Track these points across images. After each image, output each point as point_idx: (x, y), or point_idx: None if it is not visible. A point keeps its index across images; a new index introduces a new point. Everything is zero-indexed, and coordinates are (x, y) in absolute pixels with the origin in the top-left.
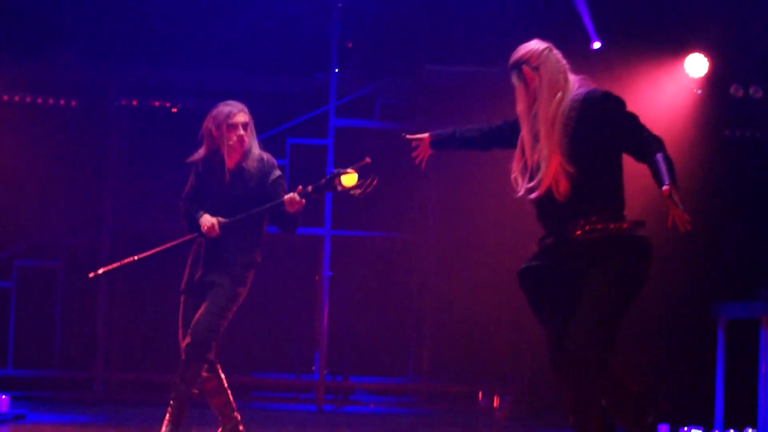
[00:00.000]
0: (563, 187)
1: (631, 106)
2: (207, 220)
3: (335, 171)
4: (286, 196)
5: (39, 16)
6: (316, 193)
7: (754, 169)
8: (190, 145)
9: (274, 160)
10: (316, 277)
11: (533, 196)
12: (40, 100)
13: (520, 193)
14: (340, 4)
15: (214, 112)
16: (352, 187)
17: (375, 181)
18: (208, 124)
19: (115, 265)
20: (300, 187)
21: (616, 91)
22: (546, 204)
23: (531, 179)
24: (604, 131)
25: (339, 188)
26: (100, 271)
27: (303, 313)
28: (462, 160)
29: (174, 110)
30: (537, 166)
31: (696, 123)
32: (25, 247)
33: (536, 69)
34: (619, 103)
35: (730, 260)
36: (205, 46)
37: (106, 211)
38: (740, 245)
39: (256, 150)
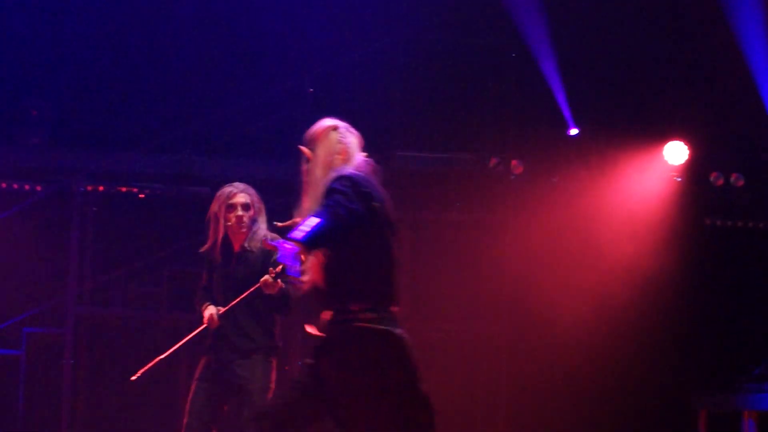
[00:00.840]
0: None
1: (611, 193)
2: (207, 312)
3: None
4: (261, 279)
5: (3, 99)
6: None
7: (735, 257)
8: (157, 231)
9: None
10: None
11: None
12: (4, 185)
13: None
14: (311, 89)
15: (218, 193)
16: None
17: None
18: (213, 206)
19: (149, 365)
20: (271, 269)
21: (595, 178)
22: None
23: None
24: None
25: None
26: (138, 374)
27: None
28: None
29: (141, 195)
30: None
31: (676, 211)
32: None
33: (313, 148)
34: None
35: (710, 350)
36: (178, 130)
37: (69, 301)
38: (720, 335)
39: (261, 231)
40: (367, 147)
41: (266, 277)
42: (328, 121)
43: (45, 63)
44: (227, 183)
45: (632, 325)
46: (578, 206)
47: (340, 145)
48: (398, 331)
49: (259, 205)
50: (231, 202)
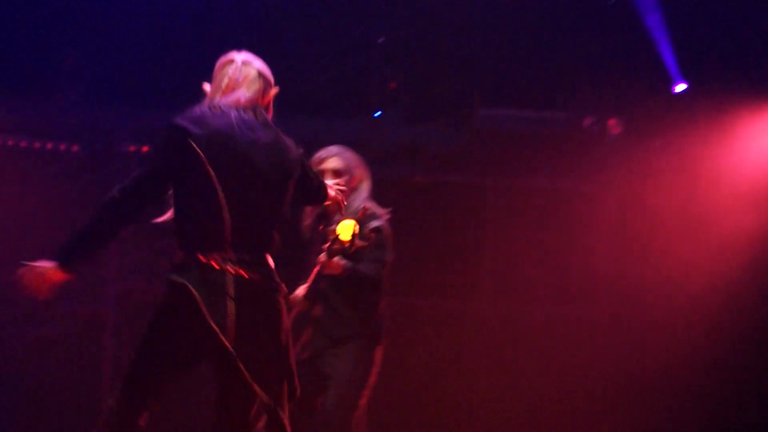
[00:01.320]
0: None
1: (722, 157)
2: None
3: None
4: (318, 259)
5: (40, 57)
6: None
7: None
8: None
9: (376, 212)
10: None
11: None
12: (38, 144)
13: None
14: (380, 40)
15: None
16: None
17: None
18: None
19: None
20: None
21: (704, 139)
22: None
23: None
24: None
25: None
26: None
27: None
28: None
29: None
30: None
31: None
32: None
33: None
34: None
35: None
36: None
37: (110, 275)
38: None
39: (357, 202)
40: (446, 102)
41: (321, 256)
42: (230, 54)
43: (81, 13)
44: None
45: (749, 309)
46: (685, 172)
47: (226, 79)
48: (192, 281)
49: (358, 171)
50: (320, 167)
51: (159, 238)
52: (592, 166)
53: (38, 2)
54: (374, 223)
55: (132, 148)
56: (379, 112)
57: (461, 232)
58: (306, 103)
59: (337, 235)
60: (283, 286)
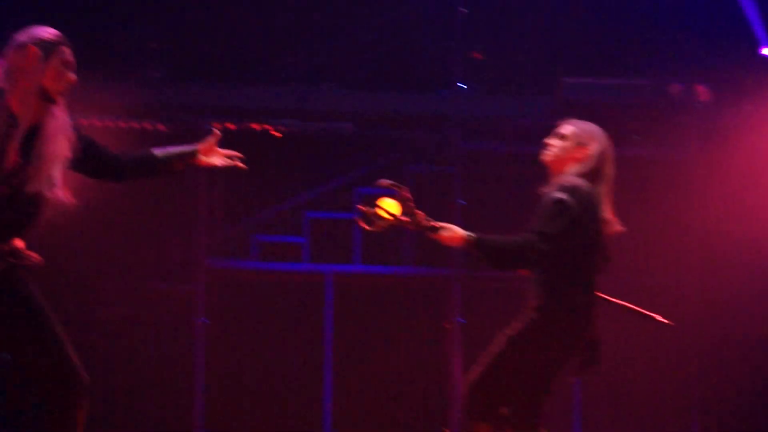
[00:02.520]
0: None
1: None
2: None
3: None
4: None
5: (119, 31)
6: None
7: None
8: (294, 173)
9: (570, 186)
10: (446, 325)
11: None
12: (123, 124)
13: None
14: (465, 10)
15: None
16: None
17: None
18: None
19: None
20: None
21: None
22: None
23: None
24: None
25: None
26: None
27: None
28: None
29: (276, 133)
30: None
31: None
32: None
33: None
34: None
35: None
36: (307, 62)
37: (199, 254)
38: None
39: (569, 174)
40: (531, 73)
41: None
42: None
43: None
44: (371, 118)
45: None
46: None
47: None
48: None
49: (589, 146)
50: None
51: (244, 219)
52: (680, 134)
53: None
54: (557, 195)
55: (217, 126)
56: (462, 85)
57: None
58: (390, 77)
59: (380, 210)
60: None
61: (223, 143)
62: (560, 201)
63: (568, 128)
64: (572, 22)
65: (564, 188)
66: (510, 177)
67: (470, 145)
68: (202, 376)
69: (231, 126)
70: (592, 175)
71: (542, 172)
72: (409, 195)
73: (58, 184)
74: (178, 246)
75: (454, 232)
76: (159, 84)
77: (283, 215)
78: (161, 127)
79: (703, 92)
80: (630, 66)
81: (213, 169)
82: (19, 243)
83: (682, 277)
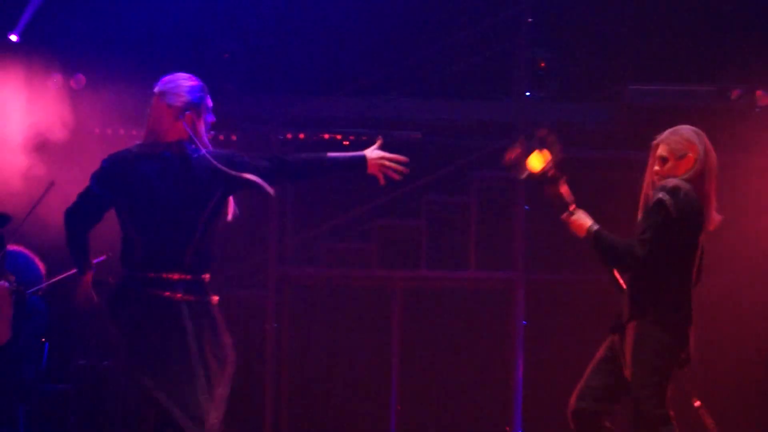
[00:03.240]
0: None
1: None
2: None
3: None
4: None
5: (194, 42)
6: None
7: None
8: (363, 181)
9: (673, 188)
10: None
11: None
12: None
13: None
14: (529, 20)
15: None
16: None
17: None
18: None
19: None
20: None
21: None
22: None
23: None
24: None
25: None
26: None
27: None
28: None
29: (346, 143)
30: None
31: None
32: None
33: None
34: None
35: None
36: (373, 73)
37: (270, 260)
38: None
39: (672, 178)
40: (594, 79)
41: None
42: None
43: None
44: (439, 126)
45: None
46: None
47: None
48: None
49: (691, 153)
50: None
51: (313, 226)
52: (742, 139)
53: None
54: (658, 195)
55: (288, 136)
56: (528, 93)
57: (616, 206)
58: (457, 86)
59: (530, 167)
60: None
61: (294, 151)
62: (660, 201)
63: (663, 149)
64: (634, 28)
65: (665, 189)
66: (575, 182)
67: None
68: (273, 380)
69: (301, 136)
70: (699, 176)
71: (607, 177)
72: (558, 155)
73: None
74: (250, 253)
75: (583, 220)
76: (232, 94)
77: (351, 222)
78: (233, 137)
79: (762, 97)
80: (694, 72)
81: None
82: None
83: (751, 281)
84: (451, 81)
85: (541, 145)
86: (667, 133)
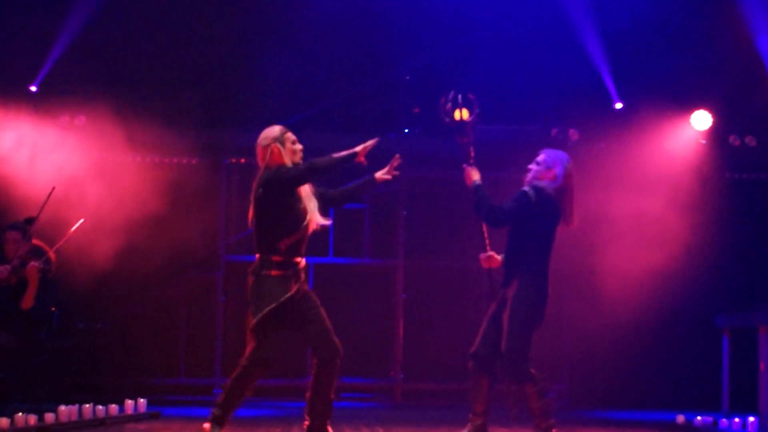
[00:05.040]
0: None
1: (647, 156)
2: None
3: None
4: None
5: (167, 90)
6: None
7: (751, 204)
8: None
9: (531, 187)
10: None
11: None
12: (166, 160)
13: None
14: (407, 77)
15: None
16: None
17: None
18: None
19: None
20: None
21: (634, 143)
22: None
23: None
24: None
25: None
26: None
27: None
28: None
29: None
30: None
31: (702, 167)
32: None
33: None
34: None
35: (730, 278)
36: (295, 111)
37: (220, 250)
38: (738, 267)
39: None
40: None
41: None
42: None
43: (193, 61)
44: None
45: (664, 265)
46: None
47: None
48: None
49: (553, 169)
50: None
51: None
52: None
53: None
54: (524, 188)
55: (233, 160)
56: (407, 130)
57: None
58: (355, 123)
59: (455, 116)
60: None
61: (237, 174)
62: (524, 192)
63: (541, 156)
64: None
65: (532, 186)
66: (430, 193)
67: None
68: (219, 346)
69: (242, 161)
70: (560, 189)
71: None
72: (476, 118)
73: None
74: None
75: (474, 174)
76: (193, 129)
77: None
78: (193, 161)
79: (573, 134)
80: (523, 114)
81: None
82: None
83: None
84: (353, 119)
85: (467, 104)
86: (550, 150)
